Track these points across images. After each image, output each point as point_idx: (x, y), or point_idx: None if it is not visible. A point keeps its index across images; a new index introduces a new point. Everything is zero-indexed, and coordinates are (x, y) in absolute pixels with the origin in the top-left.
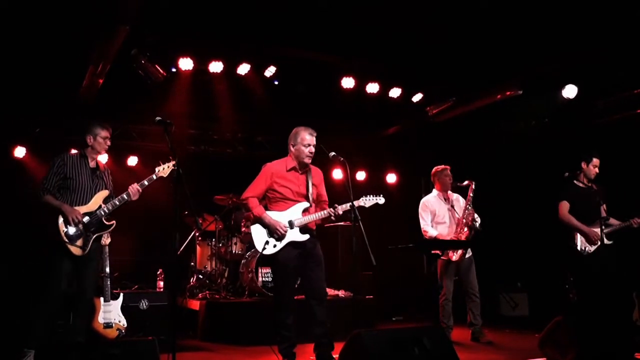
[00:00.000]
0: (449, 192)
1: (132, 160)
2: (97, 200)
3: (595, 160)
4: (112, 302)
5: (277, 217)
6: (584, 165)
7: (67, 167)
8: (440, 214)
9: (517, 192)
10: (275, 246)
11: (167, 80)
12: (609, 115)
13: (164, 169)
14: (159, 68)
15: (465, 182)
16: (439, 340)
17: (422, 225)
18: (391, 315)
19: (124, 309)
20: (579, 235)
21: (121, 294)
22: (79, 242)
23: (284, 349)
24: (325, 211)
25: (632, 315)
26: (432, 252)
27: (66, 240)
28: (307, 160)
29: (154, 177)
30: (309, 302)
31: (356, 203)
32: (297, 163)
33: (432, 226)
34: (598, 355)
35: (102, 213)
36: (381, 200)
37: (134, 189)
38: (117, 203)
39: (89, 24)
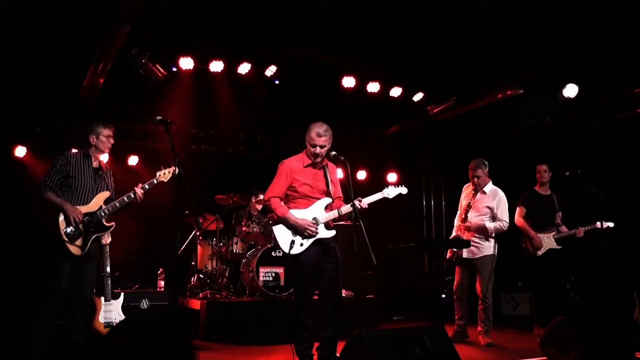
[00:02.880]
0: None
1: (133, 160)
2: (98, 200)
3: (539, 167)
4: (112, 301)
5: (301, 215)
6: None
7: (70, 165)
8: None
9: (518, 192)
10: (302, 245)
11: (167, 79)
12: (611, 114)
13: (164, 174)
14: (159, 67)
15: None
16: (440, 339)
17: None
18: (392, 314)
19: (125, 308)
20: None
21: (122, 294)
22: (78, 242)
23: (302, 350)
24: (348, 205)
25: (632, 315)
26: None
27: (66, 239)
28: (316, 160)
29: (155, 181)
30: (322, 303)
31: (380, 194)
32: (312, 160)
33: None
34: (600, 355)
35: (103, 214)
36: (404, 190)
37: (140, 191)
38: (118, 205)
39: (90, 24)
